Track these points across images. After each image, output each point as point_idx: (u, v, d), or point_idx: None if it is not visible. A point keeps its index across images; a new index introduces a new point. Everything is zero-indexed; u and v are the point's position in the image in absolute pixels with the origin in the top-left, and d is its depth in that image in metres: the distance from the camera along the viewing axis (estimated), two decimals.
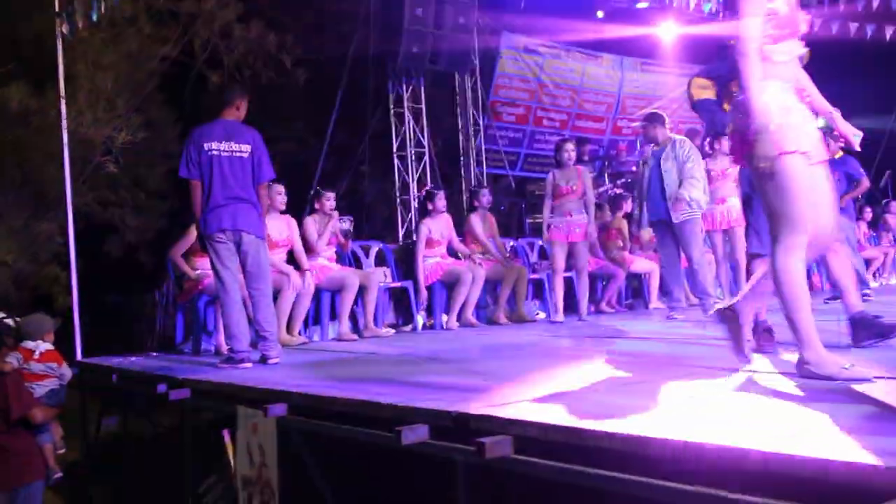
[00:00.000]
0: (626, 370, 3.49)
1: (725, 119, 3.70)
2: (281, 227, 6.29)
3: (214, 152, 4.77)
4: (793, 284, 2.70)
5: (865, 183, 7.47)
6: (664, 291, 8.04)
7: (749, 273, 3.85)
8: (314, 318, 6.77)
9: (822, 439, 1.82)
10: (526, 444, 2.24)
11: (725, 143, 7.24)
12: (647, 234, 8.04)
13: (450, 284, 7.17)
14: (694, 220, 6.29)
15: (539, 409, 2.46)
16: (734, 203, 7.03)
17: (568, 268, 8.31)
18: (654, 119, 6.60)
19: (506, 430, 2.28)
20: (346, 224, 6.96)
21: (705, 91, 3.81)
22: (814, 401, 2.36)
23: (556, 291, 6.97)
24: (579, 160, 11.04)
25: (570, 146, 6.98)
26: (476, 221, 7.57)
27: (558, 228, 6.83)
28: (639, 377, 3.15)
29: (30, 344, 4.87)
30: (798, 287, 2.71)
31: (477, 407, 2.51)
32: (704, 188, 6.34)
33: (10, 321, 4.91)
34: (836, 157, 7.24)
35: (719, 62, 3.91)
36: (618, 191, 9.97)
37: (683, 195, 6.19)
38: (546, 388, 2.98)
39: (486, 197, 7.73)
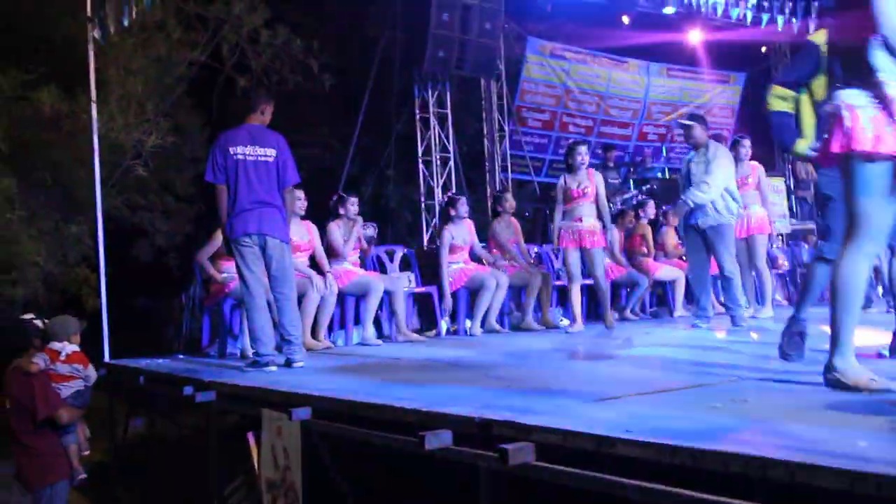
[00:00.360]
0: (648, 378, 3.47)
1: (796, 135, 3.64)
2: (302, 232, 6.32)
3: (240, 157, 4.81)
4: (856, 289, 2.72)
5: None
6: (690, 300, 8.01)
7: (809, 278, 3.80)
8: (339, 323, 6.80)
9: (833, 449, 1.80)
10: (549, 450, 2.24)
11: (747, 150, 7.20)
12: (673, 239, 8.00)
13: (474, 290, 7.17)
14: (724, 226, 6.11)
15: (562, 415, 2.46)
16: (755, 211, 7.06)
17: (587, 275, 8.31)
18: (695, 119, 6.43)
19: (528, 436, 2.28)
20: (371, 230, 6.99)
21: (783, 102, 3.72)
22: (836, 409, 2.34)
23: (573, 300, 6.78)
24: (605, 166, 11.10)
25: (582, 149, 6.75)
26: (499, 227, 7.56)
27: (569, 234, 6.63)
28: (662, 385, 3.13)
29: (56, 345, 4.93)
30: (859, 292, 2.73)
31: (500, 413, 2.51)
32: (734, 195, 6.17)
33: (38, 322, 4.98)
34: None
35: (796, 66, 3.82)
36: (642, 197, 9.90)
37: (686, 198, 6.06)
38: (569, 395, 2.98)
39: (509, 202, 7.71)
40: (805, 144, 3.67)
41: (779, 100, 3.76)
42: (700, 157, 6.20)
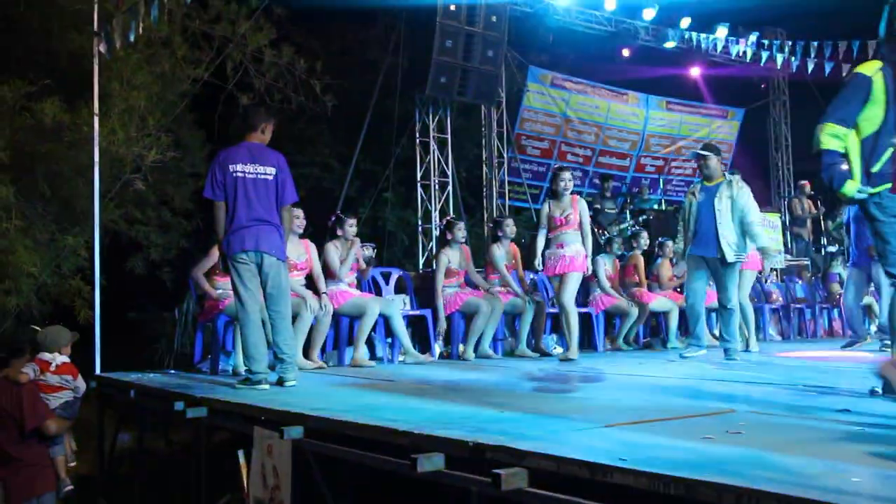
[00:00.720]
0: (641, 407, 3.47)
1: (848, 176, 3.56)
2: (300, 251, 6.33)
3: (239, 174, 4.82)
4: None
5: None
6: (683, 331, 8.03)
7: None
8: (332, 343, 6.79)
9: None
10: (541, 476, 2.23)
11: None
12: (668, 271, 8.02)
13: (468, 315, 7.17)
14: (739, 265, 6.28)
15: (556, 442, 2.45)
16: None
17: (583, 303, 8.33)
18: (711, 150, 6.46)
19: (522, 461, 2.28)
20: (369, 251, 7.00)
21: (836, 141, 3.62)
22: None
23: (567, 329, 6.61)
24: (602, 196, 11.16)
25: (566, 175, 6.67)
26: (498, 252, 7.58)
27: (550, 262, 6.60)
28: (656, 415, 3.13)
29: (46, 356, 4.91)
30: None
31: (493, 438, 2.51)
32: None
33: (35, 327, 4.98)
34: None
35: (847, 101, 3.70)
36: (637, 227, 9.95)
37: (763, 246, 6.22)
38: (563, 421, 2.97)
39: (510, 227, 7.72)
40: (854, 186, 3.55)
41: (832, 138, 3.62)
42: (722, 192, 6.22)
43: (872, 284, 7.20)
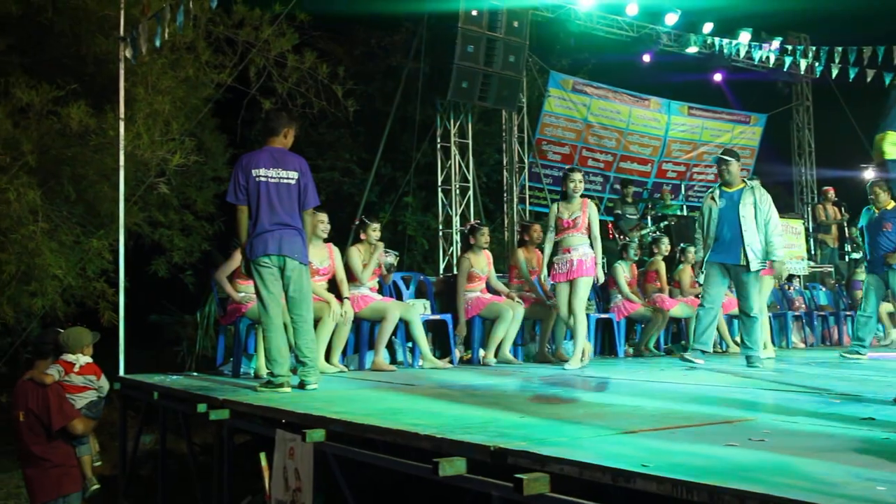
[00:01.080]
0: (663, 413, 3.45)
1: None
2: (323, 256, 6.36)
3: (262, 179, 4.86)
4: None
5: None
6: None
7: None
8: (353, 347, 6.82)
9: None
10: (563, 482, 2.24)
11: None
12: (689, 277, 7.96)
13: (489, 319, 7.18)
14: (761, 273, 6.24)
15: (577, 447, 2.45)
16: None
17: (605, 310, 8.31)
18: (732, 155, 6.40)
19: (544, 467, 2.28)
20: (391, 258, 7.02)
21: None
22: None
23: (576, 336, 6.45)
24: (623, 201, 11.13)
25: (577, 176, 6.52)
26: (523, 256, 7.58)
27: (557, 267, 6.47)
28: (678, 421, 3.12)
29: (70, 357, 4.97)
30: None
31: (515, 443, 2.51)
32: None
33: (59, 329, 5.04)
34: (889, 206, 7.19)
35: None
36: (658, 233, 9.90)
37: (779, 257, 6.15)
38: (584, 427, 2.97)
39: (537, 232, 7.72)
40: None
41: (894, 147, 3.64)
42: (745, 198, 6.17)
43: (890, 292, 7.14)
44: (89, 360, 5.07)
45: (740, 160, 6.50)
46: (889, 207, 7.19)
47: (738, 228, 6.12)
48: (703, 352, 6.33)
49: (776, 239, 6.12)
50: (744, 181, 6.32)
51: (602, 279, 6.68)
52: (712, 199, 6.38)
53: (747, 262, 6.08)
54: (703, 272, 6.46)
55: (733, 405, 3.81)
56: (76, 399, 4.90)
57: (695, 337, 6.44)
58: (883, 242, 7.05)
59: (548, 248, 6.58)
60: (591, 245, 6.43)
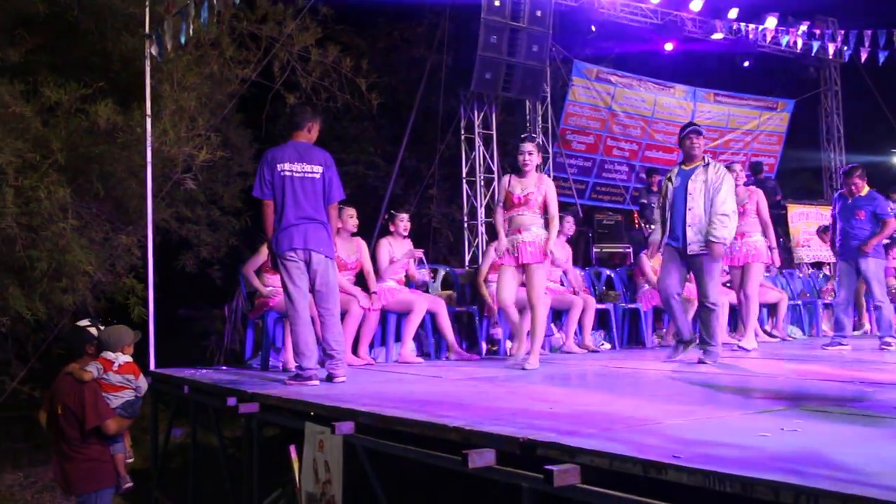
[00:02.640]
0: (692, 403, 3.43)
1: None
2: (350, 250, 6.38)
3: (287, 173, 4.89)
4: None
5: (893, 224, 7.02)
6: (733, 326, 7.90)
7: None
8: (380, 340, 6.84)
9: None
10: (594, 473, 2.23)
11: (738, 175, 6.86)
12: (655, 262, 7.68)
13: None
14: (714, 258, 5.53)
15: (607, 438, 2.44)
16: (754, 239, 6.87)
17: (632, 299, 8.25)
18: (697, 132, 5.73)
19: (573, 458, 2.28)
20: (426, 276, 7.03)
21: None
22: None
23: (513, 328, 5.83)
24: (648, 190, 11.05)
25: (528, 147, 5.67)
26: (555, 248, 7.55)
27: (507, 250, 5.65)
28: (708, 411, 3.10)
29: (110, 355, 5.00)
30: None
31: (544, 434, 2.51)
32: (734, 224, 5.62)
33: (93, 329, 5.07)
34: (863, 193, 7.08)
35: None
36: None
37: (716, 237, 5.42)
38: (613, 418, 2.96)
39: (568, 224, 7.68)
40: None
41: None
42: (698, 175, 5.58)
43: (862, 279, 7.03)
44: (129, 358, 5.11)
45: (703, 136, 5.83)
46: (863, 194, 7.06)
47: (683, 210, 5.59)
48: (687, 342, 5.84)
49: (718, 218, 5.44)
50: (703, 158, 5.71)
51: (550, 259, 5.82)
52: (669, 179, 5.84)
53: (685, 244, 5.56)
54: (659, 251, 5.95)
55: (764, 395, 3.77)
56: (112, 398, 4.93)
57: (672, 329, 6.03)
58: (855, 230, 6.96)
59: (497, 224, 5.77)
60: (546, 226, 5.67)
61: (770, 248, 6.97)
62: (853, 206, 7.06)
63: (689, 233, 5.53)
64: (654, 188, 11.19)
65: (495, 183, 11.79)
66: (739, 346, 6.60)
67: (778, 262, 7.22)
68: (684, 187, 5.61)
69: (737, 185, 6.79)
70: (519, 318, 5.83)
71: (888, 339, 6.70)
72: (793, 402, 3.28)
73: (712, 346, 5.56)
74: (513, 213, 5.65)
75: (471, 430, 2.70)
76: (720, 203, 5.47)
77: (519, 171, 5.70)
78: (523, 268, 5.61)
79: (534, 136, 5.83)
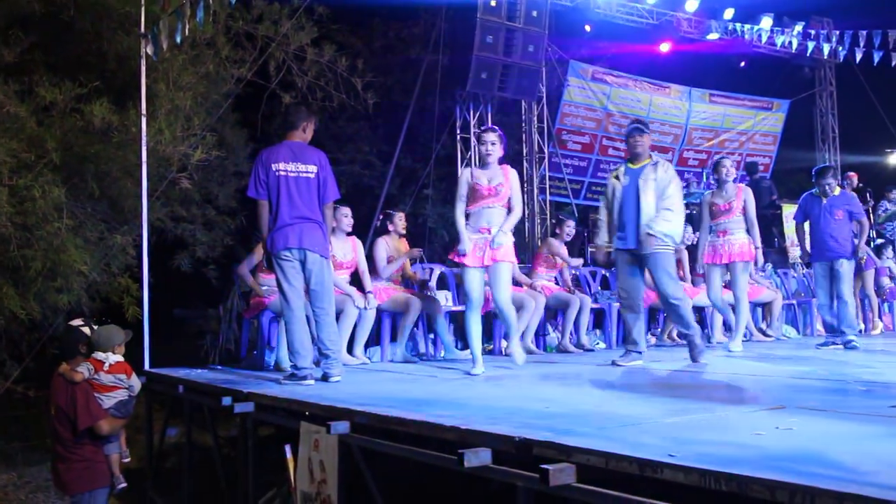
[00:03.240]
0: (688, 401, 3.43)
1: None
2: (346, 249, 6.38)
3: (282, 173, 4.89)
4: None
5: (867, 224, 7.04)
6: (728, 326, 7.92)
7: None
8: (375, 339, 6.83)
9: None
10: (589, 472, 2.23)
11: (728, 171, 6.81)
12: (600, 254, 7.56)
13: None
14: (666, 254, 5.45)
15: (603, 437, 2.44)
16: (738, 237, 6.68)
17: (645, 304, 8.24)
18: (640, 130, 5.60)
19: (569, 457, 2.28)
20: (426, 277, 7.03)
21: None
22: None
23: (472, 333, 5.33)
24: None
25: (490, 137, 5.33)
26: (556, 244, 7.59)
27: (474, 247, 5.23)
28: (703, 410, 3.10)
29: (100, 355, 4.99)
30: None
31: (540, 433, 2.51)
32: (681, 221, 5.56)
33: (86, 329, 5.05)
34: (836, 192, 7.05)
35: None
36: None
37: (655, 231, 5.33)
38: (609, 417, 2.96)
39: (569, 228, 7.72)
40: None
41: None
42: (647, 174, 5.45)
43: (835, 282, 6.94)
44: (120, 358, 5.09)
45: (650, 133, 5.76)
46: (836, 194, 7.04)
47: (637, 208, 5.43)
48: (639, 352, 5.62)
49: (662, 212, 5.35)
50: (650, 156, 5.60)
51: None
52: (616, 177, 5.64)
53: (638, 244, 5.40)
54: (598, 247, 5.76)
55: (758, 394, 3.78)
56: (104, 398, 4.91)
57: (624, 336, 5.68)
58: (834, 230, 6.90)
59: (459, 221, 5.31)
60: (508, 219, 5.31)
61: (755, 247, 6.91)
62: (830, 207, 6.99)
63: (642, 237, 5.38)
64: None
65: None
66: (726, 347, 6.60)
67: (761, 262, 7.16)
68: (635, 186, 5.48)
69: (725, 182, 6.80)
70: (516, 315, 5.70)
71: (852, 338, 6.68)
72: (787, 402, 3.29)
73: (690, 334, 5.45)
74: (480, 205, 5.25)
75: (467, 430, 2.70)
76: (666, 198, 5.40)
77: (482, 162, 5.40)
78: (488, 266, 5.21)
79: (495, 126, 5.51)
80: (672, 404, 3.40)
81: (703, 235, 6.92)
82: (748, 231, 6.76)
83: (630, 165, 5.64)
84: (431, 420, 2.92)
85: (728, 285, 7.12)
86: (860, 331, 9.29)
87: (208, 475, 5.66)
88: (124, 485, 4.97)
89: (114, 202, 8.14)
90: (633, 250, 5.49)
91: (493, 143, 5.32)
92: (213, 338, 10.71)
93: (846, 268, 6.89)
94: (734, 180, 6.96)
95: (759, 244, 6.89)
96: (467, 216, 5.32)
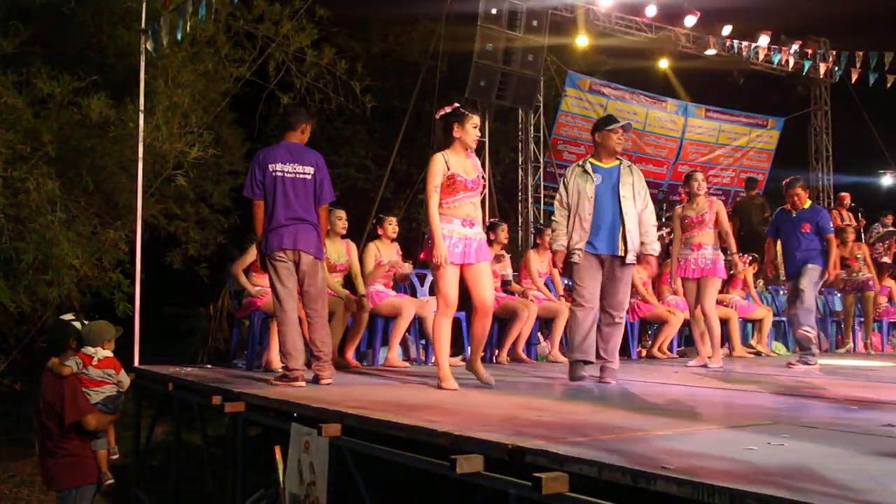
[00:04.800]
0: (681, 415, 3.44)
1: None
2: (340, 252, 6.38)
3: (279, 173, 4.89)
4: None
5: (834, 241, 6.84)
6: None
7: None
8: (366, 343, 6.82)
9: None
10: (582, 482, 2.23)
11: (700, 184, 6.69)
12: (644, 273, 7.31)
13: (502, 319, 7.16)
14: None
15: (596, 447, 2.44)
16: (710, 252, 6.56)
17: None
18: (629, 127, 5.30)
19: (562, 466, 2.28)
20: (408, 268, 6.99)
21: None
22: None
23: (446, 342, 4.79)
24: None
25: (477, 120, 4.81)
26: (536, 257, 7.58)
27: (452, 248, 4.60)
28: (696, 423, 3.11)
29: (90, 350, 4.98)
30: None
31: (532, 441, 2.51)
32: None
33: (77, 323, 5.03)
34: (806, 206, 6.93)
35: None
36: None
37: (651, 251, 5.15)
38: (602, 427, 2.96)
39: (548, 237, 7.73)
40: None
41: None
42: (624, 177, 5.09)
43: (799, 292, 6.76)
44: (109, 353, 5.08)
45: None
46: (807, 207, 6.92)
47: (619, 212, 5.02)
48: (587, 362, 5.10)
49: (653, 230, 5.16)
50: (618, 158, 5.20)
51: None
52: (585, 172, 5.13)
53: (626, 252, 5.03)
54: (575, 262, 5.08)
55: (749, 409, 3.79)
56: (92, 393, 4.90)
57: (573, 345, 5.12)
58: (802, 244, 6.78)
59: (436, 215, 4.62)
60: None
61: (727, 258, 6.79)
62: (798, 220, 6.87)
63: (629, 241, 5.00)
64: None
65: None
66: (706, 365, 6.54)
67: (741, 267, 7.07)
68: (613, 188, 5.05)
69: (698, 195, 6.69)
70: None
71: (808, 358, 6.58)
72: (776, 418, 3.30)
73: (611, 363, 5.13)
74: (461, 199, 4.64)
75: (459, 435, 2.70)
76: (651, 213, 5.16)
77: (463, 148, 4.74)
78: (465, 266, 4.66)
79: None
80: (662, 417, 3.41)
81: (675, 248, 6.80)
82: (723, 243, 6.68)
83: (598, 163, 5.16)
84: (424, 425, 2.92)
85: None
86: (848, 350, 9.36)
87: (195, 474, 5.64)
88: (111, 481, 4.95)
89: (108, 197, 8.12)
90: (604, 256, 5.04)
91: (474, 129, 4.75)
92: (202, 336, 10.67)
93: (814, 276, 6.70)
94: (730, 198, 6.98)
95: (734, 251, 6.87)
96: (442, 209, 4.61)
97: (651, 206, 5.21)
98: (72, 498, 4.74)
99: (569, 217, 5.12)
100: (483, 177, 4.86)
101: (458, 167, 4.64)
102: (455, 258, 4.58)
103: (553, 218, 5.29)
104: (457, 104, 4.83)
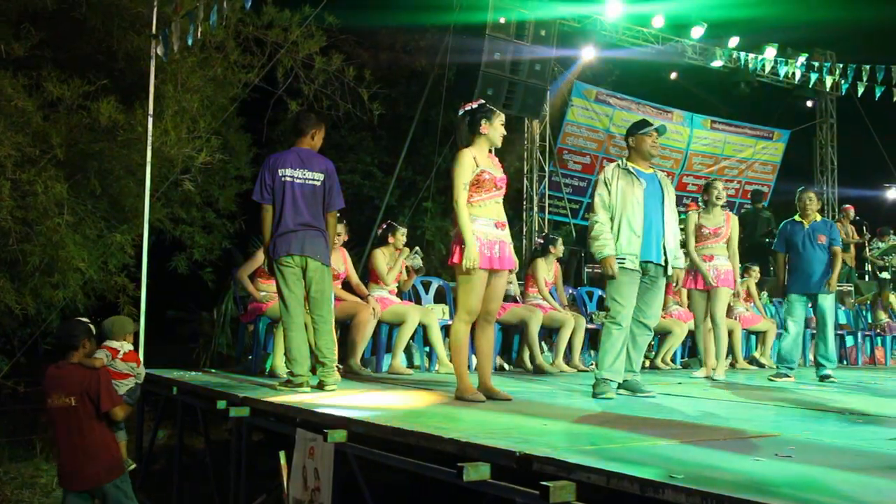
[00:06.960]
0: (687, 426, 3.44)
1: None
2: (338, 261, 6.39)
3: (288, 179, 4.90)
4: None
5: (840, 254, 6.73)
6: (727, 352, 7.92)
7: None
8: (371, 350, 6.83)
9: None
10: (590, 491, 2.23)
11: (720, 194, 6.68)
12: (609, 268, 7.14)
13: (506, 327, 7.17)
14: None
15: (603, 456, 2.45)
16: (721, 263, 6.58)
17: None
18: (662, 131, 5.02)
19: (570, 474, 2.28)
20: (418, 260, 6.97)
21: None
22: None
23: (459, 350, 4.47)
24: None
25: (503, 118, 4.59)
26: (542, 266, 7.59)
27: (482, 250, 4.32)
28: (703, 434, 3.11)
29: (115, 343, 5.01)
30: None
31: (539, 449, 2.51)
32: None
33: (91, 326, 5.05)
34: (818, 218, 6.80)
35: None
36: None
37: (680, 263, 5.05)
38: (609, 436, 2.97)
39: (558, 247, 7.76)
40: None
41: None
42: (665, 186, 4.97)
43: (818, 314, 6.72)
44: (131, 347, 5.14)
45: None
46: (818, 220, 6.78)
47: (661, 220, 4.86)
48: (616, 382, 4.83)
49: (679, 244, 5.06)
50: (651, 166, 5.02)
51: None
52: (630, 173, 4.86)
53: (666, 262, 4.89)
54: (626, 268, 4.75)
55: (755, 421, 3.78)
56: (119, 385, 4.92)
57: (604, 364, 4.75)
58: (816, 257, 6.58)
59: (465, 213, 4.35)
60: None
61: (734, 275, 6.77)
62: (812, 231, 6.68)
63: (669, 248, 4.88)
64: None
65: None
66: (710, 377, 6.54)
67: (741, 291, 7.08)
68: (658, 195, 4.89)
69: (715, 205, 6.69)
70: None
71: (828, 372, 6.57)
72: (782, 430, 3.30)
73: (638, 374, 5.05)
74: (488, 198, 4.39)
75: (466, 443, 2.70)
76: (678, 227, 5.05)
77: (490, 144, 4.51)
78: (491, 271, 4.39)
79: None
80: (669, 427, 3.41)
81: (691, 254, 6.62)
82: (729, 258, 6.69)
83: (638, 167, 4.92)
84: (431, 432, 2.92)
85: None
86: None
87: (198, 478, 5.64)
88: (133, 465, 4.98)
89: (115, 200, 8.14)
90: (651, 263, 4.85)
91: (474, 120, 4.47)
92: (205, 341, 10.67)
93: (831, 303, 6.63)
94: (735, 210, 6.96)
95: (738, 272, 6.81)
96: (470, 208, 4.34)
97: (678, 220, 5.10)
98: (113, 494, 4.62)
99: (611, 223, 4.81)
100: (504, 177, 4.55)
101: (486, 164, 4.40)
102: (485, 263, 4.28)
103: (595, 219, 4.83)
104: (482, 100, 4.61)
